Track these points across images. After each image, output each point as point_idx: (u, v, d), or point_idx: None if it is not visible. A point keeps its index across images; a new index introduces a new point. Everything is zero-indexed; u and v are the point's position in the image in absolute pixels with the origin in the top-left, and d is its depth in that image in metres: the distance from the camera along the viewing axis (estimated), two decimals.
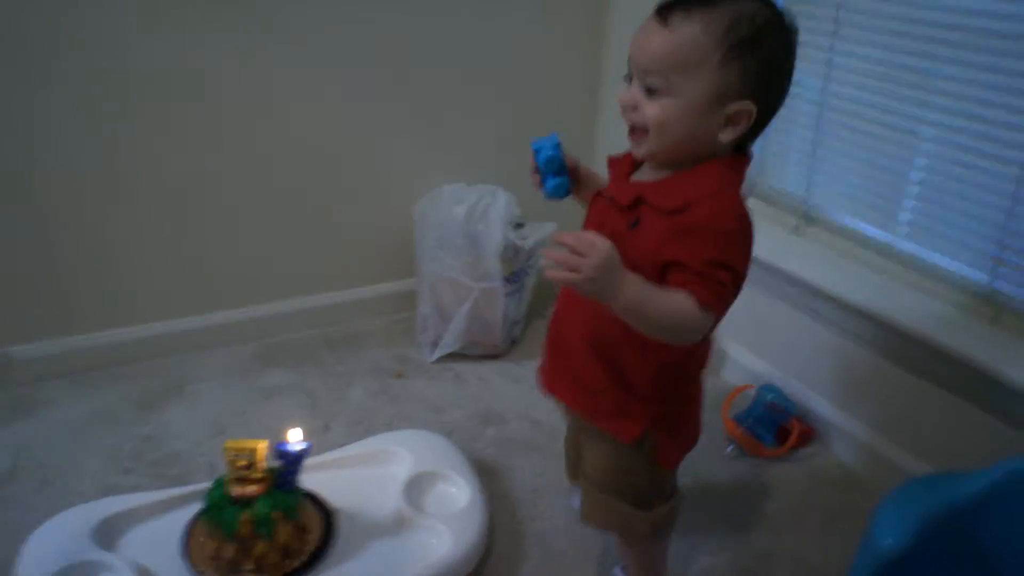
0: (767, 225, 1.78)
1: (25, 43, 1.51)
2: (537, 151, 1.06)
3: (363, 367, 1.86)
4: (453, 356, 1.89)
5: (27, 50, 1.52)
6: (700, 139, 0.95)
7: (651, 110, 0.93)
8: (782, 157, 1.77)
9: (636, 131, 0.97)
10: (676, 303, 0.90)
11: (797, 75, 1.65)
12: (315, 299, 2.00)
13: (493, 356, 1.92)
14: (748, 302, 1.69)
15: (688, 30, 0.90)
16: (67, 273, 1.71)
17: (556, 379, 1.16)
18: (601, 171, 1.12)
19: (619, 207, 0.99)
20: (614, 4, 2.00)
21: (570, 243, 0.86)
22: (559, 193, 1.07)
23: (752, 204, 1.77)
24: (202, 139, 1.72)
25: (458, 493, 1.37)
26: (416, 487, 1.36)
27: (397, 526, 1.30)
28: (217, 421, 1.64)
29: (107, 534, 1.24)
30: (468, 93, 1.97)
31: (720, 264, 0.91)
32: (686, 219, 0.92)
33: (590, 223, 1.06)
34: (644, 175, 1.03)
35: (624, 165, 1.05)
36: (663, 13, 0.92)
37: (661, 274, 0.94)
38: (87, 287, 1.74)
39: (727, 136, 0.94)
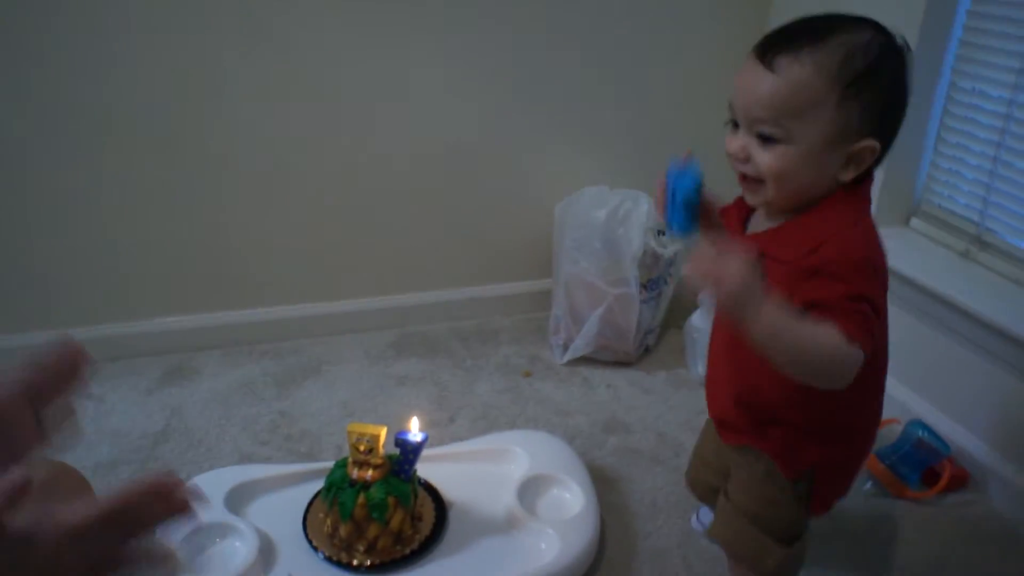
0: (932, 248, 1.64)
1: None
2: (675, 188, 0.95)
3: (493, 363, 1.87)
4: (583, 360, 1.86)
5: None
6: (820, 182, 0.90)
7: (766, 160, 0.88)
8: (954, 175, 1.62)
9: (749, 179, 0.92)
10: (821, 333, 0.84)
11: (980, 84, 1.53)
12: (452, 293, 2.04)
13: (624, 363, 1.88)
14: (902, 328, 1.58)
15: (799, 72, 0.84)
16: (225, 254, 1.83)
17: (726, 419, 1.11)
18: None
19: None
20: (776, 11, 1.91)
21: (713, 252, 0.83)
22: (684, 235, 0.99)
23: (916, 224, 1.68)
24: (353, 135, 1.79)
25: (572, 499, 1.35)
26: (530, 489, 1.35)
27: (508, 526, 1.29)
28: (348, 404, 1.70)
29: (238, 500, 1.32)
30: (616, 95, 1.94)
31: (858, 297, 0.85)
32: (813, 262, 0.87)
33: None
34: (760, 223, 0.98)
35: (738, 214, 1.00)
36: (767, 56, 0.87)
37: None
38: (243, 267, 1.86)
39: (848, 175, 0.89)
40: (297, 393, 1.74)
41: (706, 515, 1.38)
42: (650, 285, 1.84)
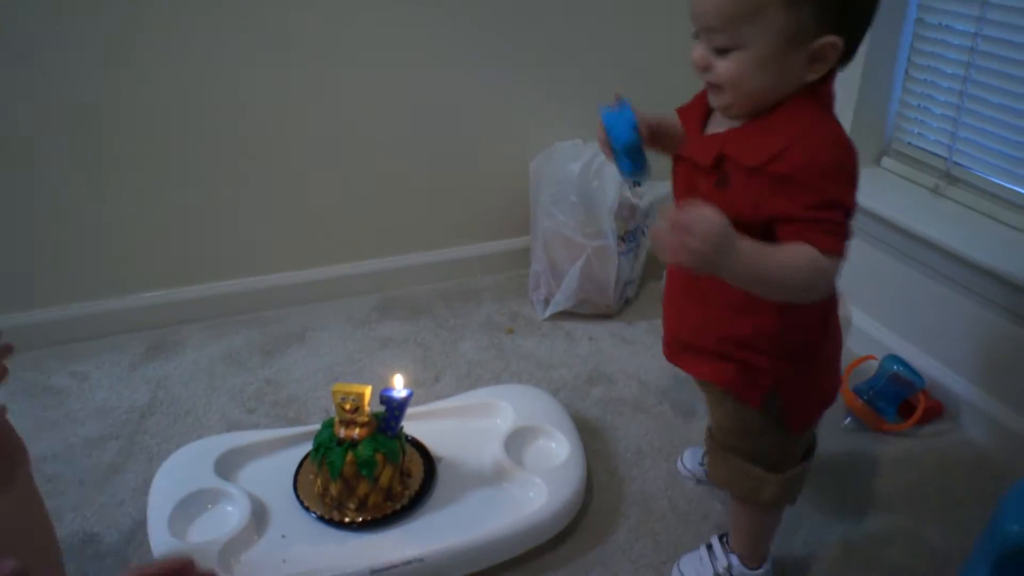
0: (903, 185, 1.66)
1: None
2: (610, 131, 0.95)
3: (476, 322, 1.88)
4: (565, 314, 1.88)
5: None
6: (784, 83, 0.88)
7: (723, 67, 0.87)
8: (922, 111, 1.63)
9: (712, 85, 0.91)
10: (796, 257, 0.84)
11: (947, 20, 1.53)
12: (432, 255, 2.04)
13: (605, 316, 1.90)
14: (876, 266, 1.62)
15: None
16: (203, 225, 1.82)
17: (677, 350, 1.12)
18: None
19: (703, 168, 0.93)
20: None
21: (675, 220, 0.80)
22: (636, 178, 0.99)
23: (887, 163, 1.69)
24: (325, 100, 1.78)
25: (558, 448, 1.37)
26: (517, 441, 1.37)
27: (496, 477, 1.32)
28: (333, 368, 1.72)
29: (228, 466, 1.33)
30: (585, 48, 1.93)
31: (828, 205, 0.85)
32: (778, 169, 0.86)
33: (678, 188, 1.01)
34: (720, 123, 0.96)
35: (696, 114, 0.99)
36: None
37: (764, 229, 0.88)
38: (221, 238, 1.85)
39: (814, 75, 0.87)
40: (282, 360, 1.74)
41: (690, 458, 1.41)
42: (628, 237, 1.86)
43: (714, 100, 0.92)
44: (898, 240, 1.56)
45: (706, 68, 0.89)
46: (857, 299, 1.67)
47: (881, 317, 1.67)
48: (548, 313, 1.88)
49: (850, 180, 0.87)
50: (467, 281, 2.05)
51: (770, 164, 0.86)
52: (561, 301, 1.86)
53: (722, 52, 0.87)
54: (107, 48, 1.59)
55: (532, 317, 1.90)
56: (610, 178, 1.80)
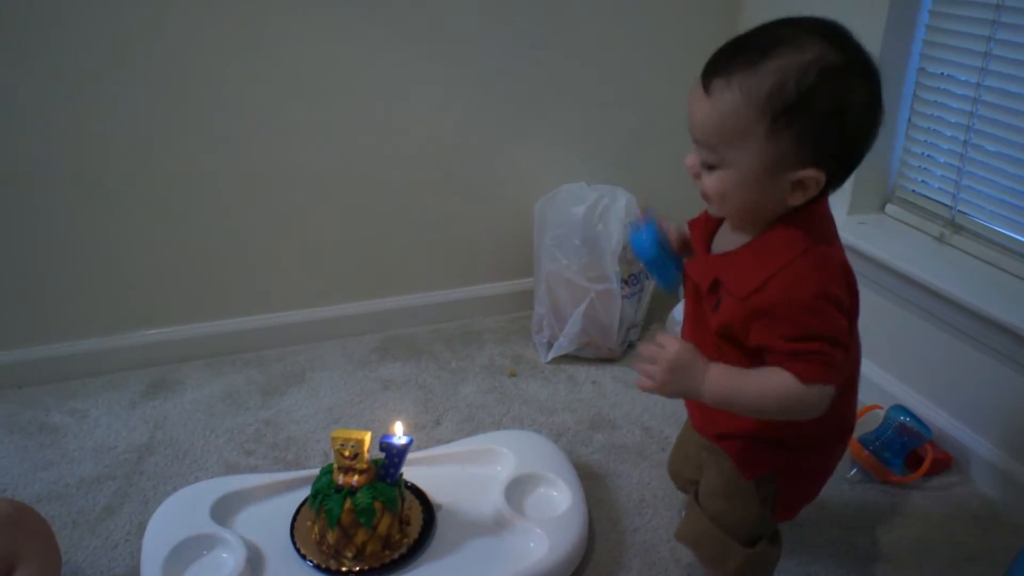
0: (907, 233, 1.65)
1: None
2: (639, 252, 1.03)
3: (478, 364, 1.87)
4: (568, 358, 1.87)
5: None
6: (767, 206, 0.89)
7: (709, 182, 0.89)
8: (927, 159, 1.63)
9: (704, 195, 0.93)
10: (771, 384, 0.87)
11: (949, 69, 1.54)
12: (435, 295, 2.03)
13: (608, 360, 1.88)
14: (881, 314, 1.61)
15: (729, 99, 0.82)
16: (205, 263, 1.82)
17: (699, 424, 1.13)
18: None
19: (702, 290, 0.95)
20: (747, 6, 1.92)
21: (644, 353, 0.90)
22: (668, 289, 1.05)
23: (891, 210, 1.69)
24: (327, 136, 1.79)
25: (559, 497, 1.35)
26: (518, 488, 1.35)
27: (496, 526, 1.29)
28: (333, 410, 1.70)
29: (224, 511, 1.31)
30: (592, 92, 1.94)
31: (807, 338, 0.85)
32: (759, 301, 0.87)
33: (687, 304, 1.04)
34: (724, 240, 0.98)
35: (705, 228, 1.01)
36: (706, 78, 0.86)
37: (757, 353, 0.90)
38: (223, 276, 1.84)
39: (796, 201, 0.87)
40: (282, 401, 1.73)
41: None
42: (631, 280, 1.85)
43: (709, 208, 0.94)
44: (903, 288, 1.55)
45: (697, 176, 0.90)
46: (863, 347, 1.66)
47: (887, 366, 1.66)
48: (551, 356, 1.87)
49: (834, 309, 0.87)
50: (469, 323, 2.04)
51: (752, 296, 0.87)
52: (564, 344, 1.85)
53: (709, 167, 0.88)
54: (108, 82, 1.60)
55: (535, 360, 1.89)
56: (614, 221, 1.80)
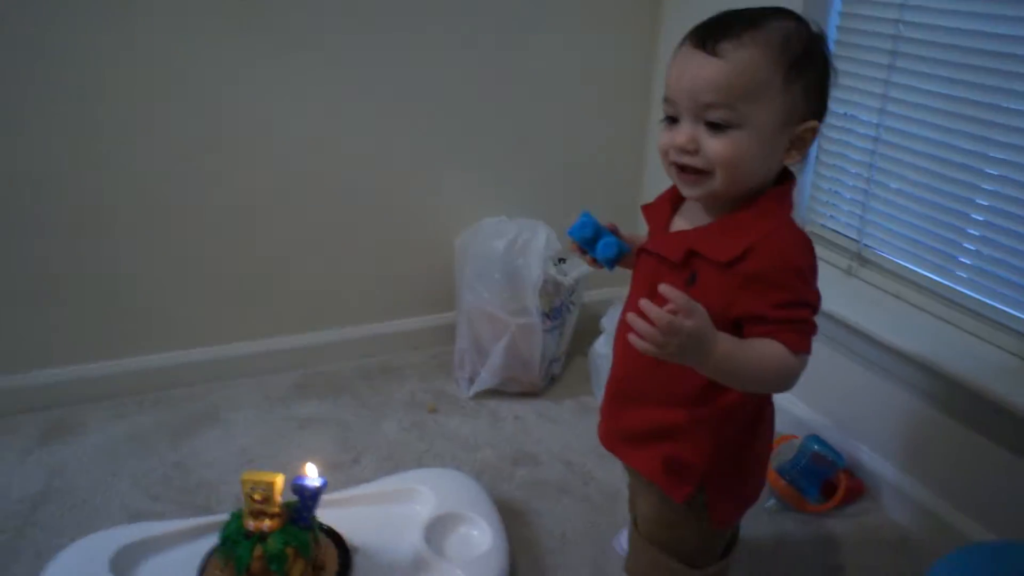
0: (818, 265, 1.70)
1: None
2: (577, 228, 1.04)
3: (398, 401, 1.83)
4: (490, 393, 1.85)
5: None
6: (766, 169, 0.91)
7: (718, 147, 0.87)
8: (834, 195, 1.69)
9: (691, 172, 0.90)
10: (768, 354, 0.86)
11: (850, 109, 1.60)
12: (354, 330, 1.99)
13: (531, 394, 1.87)
14: None
15: (745, 55, 0.85)
16: (104, 297, 1.73)
17: (612, 437, 1.10)
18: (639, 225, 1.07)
19: (671, 264, 0.93)
20: (664, 39, 1.97)
21: (658, 320, 0.80)
22: (611, 252, 1.03)
23: None
24: (242, 169, 1.74)
25: (480, 536, 1.32)
26: (438, 528, 1.32)
27: (415, 569, 1.26)
28: (247, 450, 1.64)
29: (126, 562, 1.23)
30: (512, 127, 1.95)
31: (797, 304, 0.87)
32: (749, 267, 0.87)
33: (639, 283, 1.01)
34: (687, 221, 0.97)
35: (662, 212, 1.00)
36: (707, 43, 0.87)
37: (733, 325, 0.89)
38: (125, 311, 1.76)
39: (793, 159, 0.91)
40: (193, 442, 1.66)
41: (627, 539, 1.38)
42: (553, 314, 1.85)
43: (694, 189, 0.91)
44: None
45: (695, 151, 0.88)
46: None
47: (802, 395, 1.69)
48: (473, 391, 1.84)
49: (814, 279, 0.90)
50: (391, 358, 2.00)
51: (740, 261, 0.87)
52: (486, 379, 1.83)
53: (718, 130, 0.87)
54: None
55: (456, 395, 1.87)
56: (535, 255, 1.80)
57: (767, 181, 0.92)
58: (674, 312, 0.80)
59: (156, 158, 1.67)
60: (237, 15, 1.62)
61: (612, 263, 1.04)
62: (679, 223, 0.99)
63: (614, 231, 1.06)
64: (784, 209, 0.92)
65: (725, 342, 0.85)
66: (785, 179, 0.94)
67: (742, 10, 0.90)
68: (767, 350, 0.86)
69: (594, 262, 1.05)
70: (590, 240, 1.03)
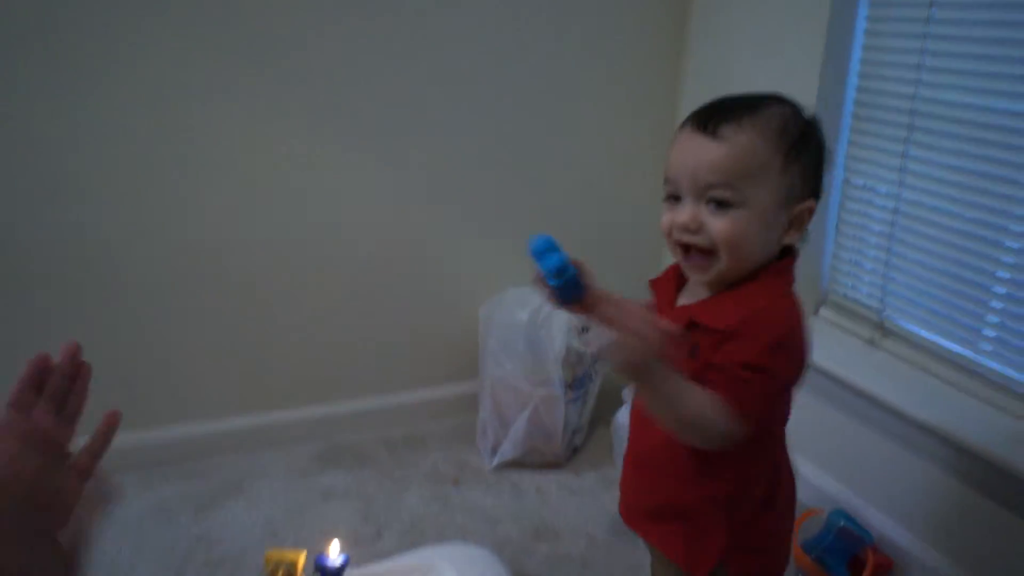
0: (840, 336, 1.70)
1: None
2: (540, 258, 0.92)
3: (422, 472, 1.84)
4: (512, 464, 1.84)
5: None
6: (767, 247, 0.92)
7: (720, 226, 0.89)
8: (856, 265, 1.70)
9: (697, 253, 0.92)
10: (702, 399, 0.86)
11: (869, 181, 1.62)
12: (378, 400, 2.01)
13: (553, 465, 1.87)
14: (819, 416, 1.63)
15: (745, 138, 0.88)
16: (128, 368, 1.76)
17: (632, 512, 1.10)
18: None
19: (673, 335, 0.92)
20: (683, 115, 2.01)
21: (628, 324, 0.83)
22: (569, 296, 0.92)
23: (824, 313, 1.74)
24: (274, 241, 1.79)
25: None
26: None
27: None
28: (271, 522, 1.64)
29: None
30: (538, 197, 1.99)
31: (754, 367, 0.86)
32: (732, 323, 0.89)
33: None
34: (691, 296, 0.99)
35: (668, 288, 1.02)
36: (708, 126, 0.90)
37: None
38: (149, 382, 1.80)
39: (792, 238, 0.93)
40: (217, 515, 1.67)
41: None
42: (575, 384, 1.85)
43: (697, 270, 0.93)
44: (837, 391, 1.58)
45: (698, 230, 0.90)
46: (804, 449, 1.67)
47: (826, 467, 1.67)
48: (495, 463, 1.84)
49: (790, 359, 0.89)
50: (414, 427, 2.01)
51: (734, 331, 0.89)
52: (508, 450, 1.83)
53: (720, 209, 0.89)
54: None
55: (479, 466, 1.86)
56: (557, 326, 1.82)
57: (769, 259, 0.94)
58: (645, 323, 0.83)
59: (178, 231, 1.72)
60: (269, 92, 1.68)
61: (570, 301, 0.94)
62: (684, 299, 1.00)
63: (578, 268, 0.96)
64: (782, 283, 0.94)
65: (670, 373, 0.85)
66: (787, 255, 0.96)
67: (741, 95, 0.94)
68: (704, 395, 0.86)
69: (551, 291, 0.94)
70: (555, 271, 0.91)
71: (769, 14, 1.74)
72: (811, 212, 0.93)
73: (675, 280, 1.02)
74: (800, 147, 0.90)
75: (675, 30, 1.99)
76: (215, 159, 1.69)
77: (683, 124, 0.94)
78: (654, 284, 1.05)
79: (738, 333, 0.88)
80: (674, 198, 0.93)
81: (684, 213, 0.91)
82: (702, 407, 0.86)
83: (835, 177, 1.69)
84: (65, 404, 0.70)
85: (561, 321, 1.83)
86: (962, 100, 1.41)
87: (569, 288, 0.92)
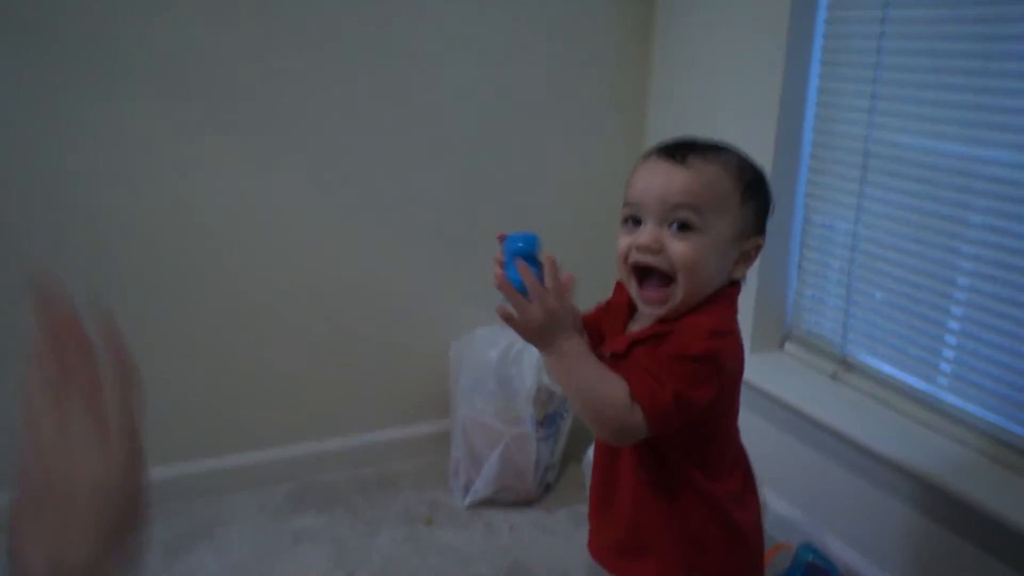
0: (804, 371, 1.73)
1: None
2: (511, 247, 1.02)
3: (393, 512, 1.83)
4: (485, 502, 1.85)
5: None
6: (719, 276, 0.96)
7: (682, 248, 0.91)
8: (818, 301, 1.74)
9: (655, 281, 0.94)
10: (609, 382, 0.90)
11: (828, 219, 1.67)
12: (349, 439, 2.01)
13: (526, 502, 1.87)
14: (785, 450, 1.66)
15: (711, 168, 0.93)
16: None
17: (600, 548, 1.12)
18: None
19: (615, 357, 0.97)
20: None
21: (531, 283, 0.91)
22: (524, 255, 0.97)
23: (789, 348, 1.78)
24: (241, 279, 1.80)
25: None
26: None
27: None
28: (241, 567, 1.63)
29: None
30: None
31: (667, 371, 0.89)
32: (664, 333, 0.93)
33: None
34: (640, 325, 1.01)
35: (619, 317, 1.04)
36: (677, 155, 0.94)
37: (661, 455, 0.93)
38: None
39: (739, 272, 0.97)
40: (186, 560, 1.65)
41: None
42: (547, 421, 1.87)
43: (653, 304, 0.94)
44: (802, 425, 1.61)
45: (659, 251, 0.92)
46: (772, 482, 1.70)
47: (794, 501, 1.69)
48: (468, 501, 1.84)
49: (703, 376, 0.90)
50: (386, 467, 2.01)
51: (667, 330, 0.93)
52: (481, 489, 1.83)
53: (683, 231, 0.91)
54: None
55: (452, 505, 1.86)
56: (528, 364, 1.83)
57: (716, 291, 0.96)
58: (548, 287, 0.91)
59: (145, 277, 1.72)
60: (227, 137, 1.71)
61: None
62: (633, 327, 1.02)
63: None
64: (721, 307, 0.96)
65: (579, 344, 0.91)
66: (732, 286, 0.99)
67: (697, 139, 0.98)
68: (613, 379, 0.90)
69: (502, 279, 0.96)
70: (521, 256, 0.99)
71: (728, 64, 1.79)
72: (758, 249, 0.98)
73: (626, 312, 1.04)
74: (754, 188, 0.96)
75: (637, 84, 2.04)
76: (177, 202, 1.70)
77: (646, 155, 0.98)
78: (607, 308, 1.09)
79: (670, 333, 0.92)
80: (634, 221, 0.95)
81: (646, 234, 0.93)
82: (605, 387, 0.90)
83: (796, 216, 1.74)
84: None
85: (531, 359, 1.85)
86: (913, 143, 1.46)
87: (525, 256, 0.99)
